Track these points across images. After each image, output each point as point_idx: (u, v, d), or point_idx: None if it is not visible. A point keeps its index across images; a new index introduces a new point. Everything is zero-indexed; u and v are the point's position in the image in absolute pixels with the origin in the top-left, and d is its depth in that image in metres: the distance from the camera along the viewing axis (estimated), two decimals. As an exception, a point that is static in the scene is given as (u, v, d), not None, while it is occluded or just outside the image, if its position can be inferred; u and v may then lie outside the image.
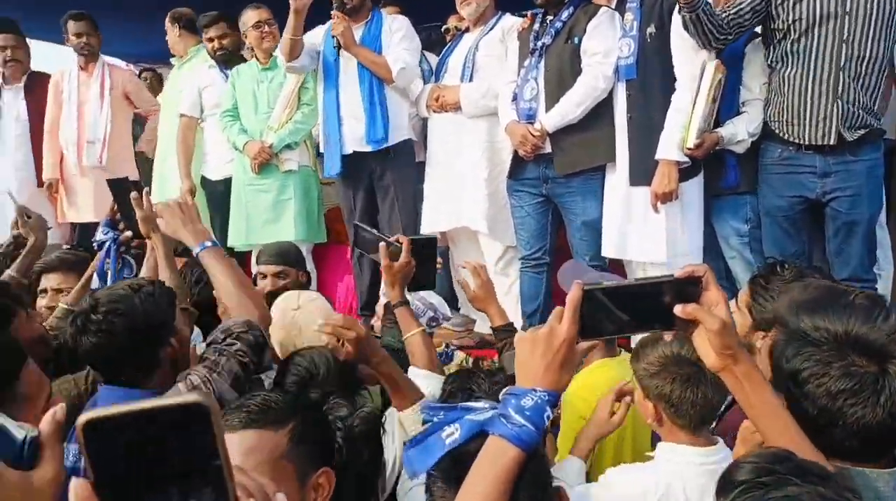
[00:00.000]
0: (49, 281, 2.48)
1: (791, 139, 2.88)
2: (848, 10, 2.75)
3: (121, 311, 1.57)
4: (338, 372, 1.78)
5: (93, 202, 4.43)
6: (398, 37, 3.60)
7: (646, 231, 3.06)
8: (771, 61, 2.96)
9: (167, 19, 4.49)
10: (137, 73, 5.01)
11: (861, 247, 2.85)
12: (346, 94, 3.64)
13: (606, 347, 2.35)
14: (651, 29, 3.03)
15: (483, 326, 3.69)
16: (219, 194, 4.15)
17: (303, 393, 1.70)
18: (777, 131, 2.92)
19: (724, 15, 2.87)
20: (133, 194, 2.05)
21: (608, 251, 3.21)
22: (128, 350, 1.56)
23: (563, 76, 3.18)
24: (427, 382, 1.82)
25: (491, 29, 3.55)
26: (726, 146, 3.01)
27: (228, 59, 4.15)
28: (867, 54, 2.75)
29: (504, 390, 1.07)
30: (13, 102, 4.66)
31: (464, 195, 3.57)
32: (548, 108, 3.19)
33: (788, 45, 2.87)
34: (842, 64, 2.76)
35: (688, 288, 1.01)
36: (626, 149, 3.11)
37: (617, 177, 3.16)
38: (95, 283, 2.22)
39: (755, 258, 3.08)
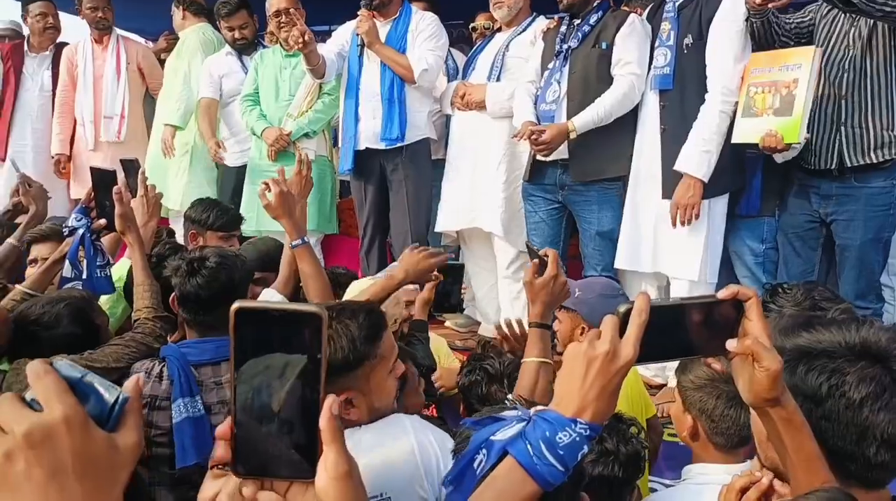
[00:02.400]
0: (39, 250, 2.50)
1: (802, 164, 2.93)
2: (850, 43, 2.79)
3: (225, 265, 1.95)
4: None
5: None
6: (424, 36, 3.60)
7: (681, 246, 3.02)
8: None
9: (173, 0, 4.47)
10: (164, 40, 4.93)
11: (852, 273, 2.86)
12: (365, 93, 3.65)
13: None
14: (688, 39, 3.01)
15: (487, 329, 3.72)
16: (234, 181, 4.17)
17: None
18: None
19: (790, 20, 2.89)
20: (115, 188, 2.07)
21: (624, 263, 3.20)
22: (219, 298, 1.88)
23: (587, 80, 3.18)
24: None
25: (523, 30, 3.55)
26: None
27: (247, 47, 4.17)
28: (869, 83, 2.77)
29: (538, 409, 0.96)
30: (38, 71, 4.66)
31: (481, 196, 3.57)
32: (569, 112, 3.18)
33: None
34: (843, 92, 2.79)
35: (728, 313, 0.95)
36: (658, 161, 3.09)
37: (646, 190, 3.14)
38: (67, 270, 2.20)
39: (767, 278, 3.11)
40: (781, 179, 3.06)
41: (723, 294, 0.95)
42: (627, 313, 0.90)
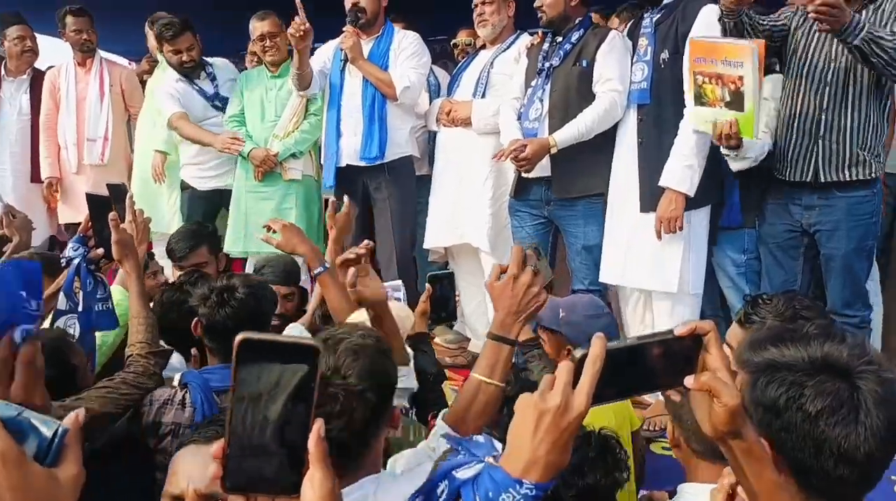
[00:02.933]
0: None
1: (779, 176, 2.96)
2: (833, 57, 2.80)
3: (254, 295, 2.00)
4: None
5: (89, 202, 4.39)
6: (406, 54, 3.64)
7: (657, 259, 3.07)
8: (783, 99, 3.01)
9: (146, 23, 4.45)
10: (147, 62, 4.90)
11: (838, 283, 2.89)
12: (347, 108, 3.69)
13: None
14: (665, 55, 3.06)
15: (477, 345, 3.74)
16: (203, 206, 4.16)
17: None
18: (774, 172, 2.99)
19: (764, 22, 2.90)
20: (111, 214, 2.00)
21: (607, 277, 3.24)
22: (247, 327, 1.75)
23: (569, 98, 3.22)
24: None
25: (507, 48, 3.60)
26: (736, 156, 2.95)
27: (195, 69, 4.08)
28: (850, 98, 2.79)
29: (489, 459, 0.98)
30: (15, 94, 4.62)
31: (468, 212, 3.61)
32: (550, 128, 3.22)
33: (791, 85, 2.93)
34: (823, 106, 2.82)
35: (687, 346, 0.94)
36: (635, 174, 3.13)
37: (623, 203, 3.18)
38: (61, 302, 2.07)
39: (750, 288, 3.14)
40: (759, 192, 3.10)
41: (680, 330, 0.94)
42: (583, 359, 0.88)
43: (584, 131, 3.16)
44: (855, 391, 1.00)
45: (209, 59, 4.19)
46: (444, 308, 2.43)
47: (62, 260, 2.14)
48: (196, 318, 2.05)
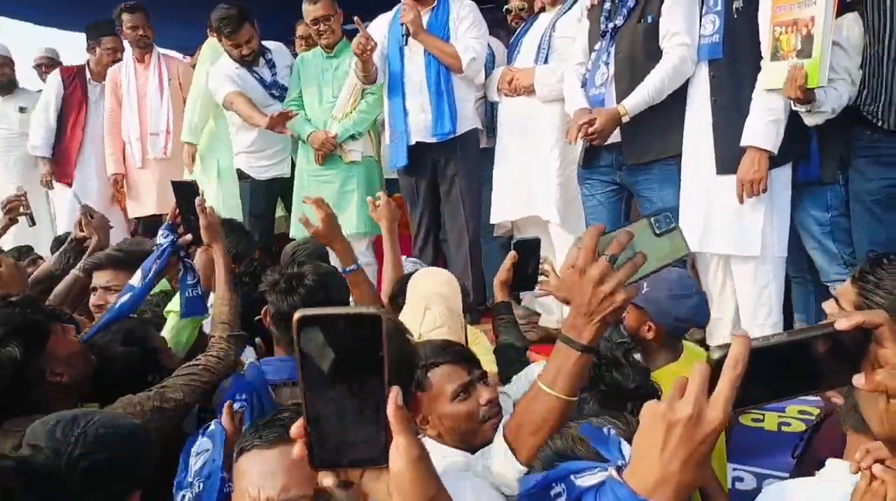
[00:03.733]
0: (98, 278, 2.51)
1: (879, 124, 2.76)
2: None
3: (323, 284, 1.96)
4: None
5: (156, 196, 4.50)
6: (467, 24, 3.56)
7: (737, 222, 2.93)
8: (866, 38, 2.80)
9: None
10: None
11: None
12: (411, 85, 3.64)
13: (669, 348, 2.25)
14: (738, 3, 2.88)
15: (548, 319, 3.66)
16: (265, 195, 4.20)
17: None
18: (867, 114, 2.79)
19: None
20: (198, 199, 2.07)
21: (689, 244, 3.10)
22: None
23: (634, 59, 3.07)
24: None
25: (569, 8, 3.46)
26: (810, 111, 2.77)
27: (255, 60, 4.06)
28: None
29: (613, 471, 0.88)
30: (99, 99, 4.80)
31: (535, 183, 3.52)
32: (618, 93, 3.08)
33: (879, 23, 2.73)
34: None
35: (852, 340, 0.82)
36: (709, 135, 2.97)
37: (698, 166, 3.03)
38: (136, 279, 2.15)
39: (838, 248, 2.98)
40: (842, 142, 2.90)
41: (843, 323, 0.80)
42: (721, 361, 0.76)
43: (655, 94, 3.02)
44: None
45: (266, 44, 4.17)
46: (526, 275, 2.35)
47: (155, 249, 2.17)
48: (265, 306, 2.05)
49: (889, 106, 2.73)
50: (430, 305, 1.94)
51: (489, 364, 2.24)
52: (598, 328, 1.12)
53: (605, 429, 1.09)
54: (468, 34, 3.55)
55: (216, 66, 4.15)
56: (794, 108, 2.76)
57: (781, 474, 2.05)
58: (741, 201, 2.88)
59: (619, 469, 0.90)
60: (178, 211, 2.18)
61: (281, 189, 4.24)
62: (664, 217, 1.10)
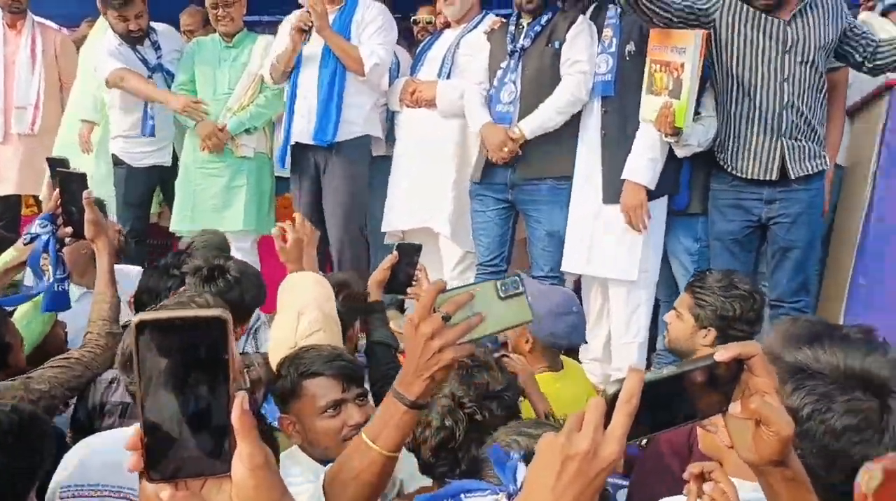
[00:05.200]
0: None
1: (737, 174, 3.03)
2: (788, 48, 2.89)
3: (240, 282, 2.06)
4: None
5: (17, 174, 4.15)
6: (373, 28, 3.54)
7: (619, 249, 3.15)
8: (717, 95, 3.09)
9: None
10: (87, 26, 4.59)
11: (791, 272, 3.03)
12: (302, 86, 3.58)
13: (550, 360, 2.39)
14: (630, 47, 3.13)
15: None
16: (144, 183, 3.98)
17: None
18: (723, 164, 3.07)
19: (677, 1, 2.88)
20: (86, 193, 1.99)
21: (570, 266, 3.30)
22: (231, 309, 1.84)
23: (541, 80, 3.25)
24: None
25: (474, 27, 3.57)
26: (678, 144, 3.04)
27: (141, 40, 3.86)
28: (808, 88, 2.91)
29: (503, 498, 0.91)
30: None
31: (429, 195, 3.57)
32: (523, 112, 3.25)
33: (731, 84, 3.00)
34: (784, 102, 2.92)
35: (728, 371, 0.86)
36: (598, 165, 3.19)
37: (586, 193, 3.24)
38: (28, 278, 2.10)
39: (704, 276, 3.24)
40: (706, 176, 3.18)
41: (722, 355, 0.85)
42: (615, 397, 0.77)
43: (551, 118, 3.21)
44: (885, 412, 0.98)
45: (154, 25, 3.97)
46: (400, 279, 2.39)
47: (25, 238, 2.07)
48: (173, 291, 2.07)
49: (738, 154, 3.01)
50: (304, 311, 1.93)
51: None
52: (426, 385, 1.08)
53: (512, 454, 1.06)
54: (374, 38, 3.53)
55: (97, 44, 3.92)
56: (664, 140, 3.01)
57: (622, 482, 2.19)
58: (634, 228, 3.10)
59: (510, 497, 0.93)
60: (60, 201, 2.08)
61: (160, 177, 4.04)
62: (512, 281, 1.10)
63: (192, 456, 0.69)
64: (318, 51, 3.56)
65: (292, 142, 3.60)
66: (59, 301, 2.07)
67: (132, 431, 0.69)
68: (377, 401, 1.87)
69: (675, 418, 0.85)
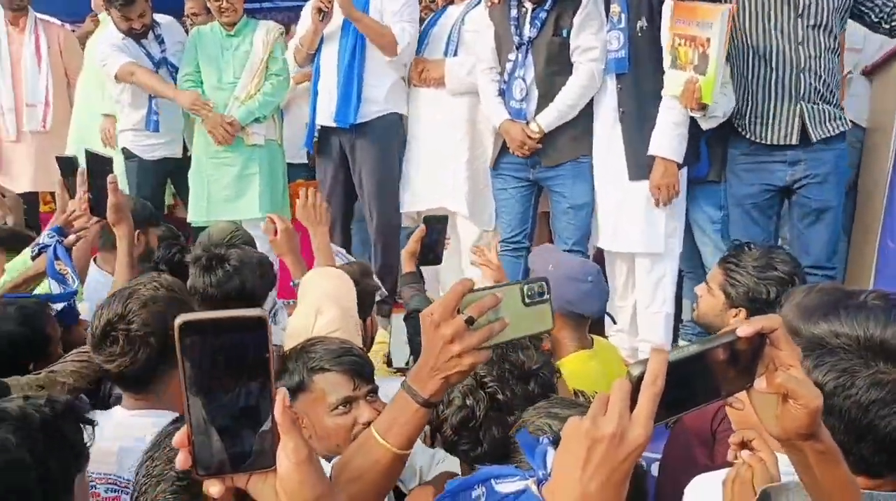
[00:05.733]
0: None
1: (755, 140, 3.00)
2: (800, 12, 2.85)
3: (241, 270, 2.05)
4: None
5: (32, 171, 4.17)
6: (399, 4, 3.46)
7: (645, 223, 3.14)
8: (733, 62, 3.03)
9: None
10: (91, 21, 4.61)
11: (826, 234, 3.00)
12: (324, 68, 3.56)
13: (579, 338, 2.31)
14: (642, 23, 3.07)
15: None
16: (153, 176, 3.98)
17: None
18: (742, 131, 3.03)
19: None
20: (110, 177, 2.04)
21: (604, 242, 3.29)
22: (230, 301, 1.95)
23: (552, 72, 3.20)
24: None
25: (477, 3, 3.50)
26: (704, 117, 3.01)
27: (143, 36, 3.84)
28: (823, 51, 2.87)
29: (532, 484, 0.89)
30: None
31: (444, 175, 3.55)
32: (539, 107, 3.22)
33: (747, 51, 2.96)
34: (801, 66, 2.88)
35: (751, 346, 0.85)
36: (619, 143, 3.16)
37: (608, 171, 3.21)
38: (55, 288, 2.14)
39: (727, 245, 3.20)
40: (724, 143, 3.15)
41: (744, 330, 0.83)
42: (641, 378, 0.75)
43: (568, 110, 3.19)
44: None
45: (157, 17, 3.93)
46: (433, 250, 2.47)
47: (34, 250, 2.14)
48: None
49: (757, 121, 2.98)
50: (322, 309, 1.90)
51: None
52: (441, 385, 1.03)
53: (542, 438, 1.03)
54: (402, 15, 3.45)
55: (101, 37, 3.89)
56: (691, 115, 2.97)
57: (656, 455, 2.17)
58: (656, 204, 3.08)
59: (540, 483, 0.92)
60: (87, 179, 2.15)
61: (171, 169, 4.04)
62: (538, 286, 1.06)
63: (237, 452, 0.71)
64: (338, 29, 3.52)
65: (318, 126, 3.59)
66: (68, 317, 2.08)
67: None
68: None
69: (699, 397, 0.83)
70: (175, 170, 4.01)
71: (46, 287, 2.14)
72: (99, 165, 2.15)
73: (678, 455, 1.87)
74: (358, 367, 1.63)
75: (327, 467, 1.45)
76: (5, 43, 4.21)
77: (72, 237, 2.14)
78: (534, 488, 0.88)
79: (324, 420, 1.58)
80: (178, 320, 0.68)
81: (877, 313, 1.03)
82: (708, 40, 2.80)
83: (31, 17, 4.27)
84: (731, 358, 0.83)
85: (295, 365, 1.62)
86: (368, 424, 1.52)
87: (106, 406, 1.89)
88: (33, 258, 2.19)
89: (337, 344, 1.67)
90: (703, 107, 2.89)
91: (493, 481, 0.96)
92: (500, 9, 3.31)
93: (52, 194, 4.13)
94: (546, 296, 1.06)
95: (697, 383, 0.82)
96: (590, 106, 3.23)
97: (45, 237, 2.14)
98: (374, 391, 1.65)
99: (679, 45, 2.93)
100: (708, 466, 1.18)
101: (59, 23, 4.59)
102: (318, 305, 1.90)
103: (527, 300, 1.04)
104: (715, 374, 0.83)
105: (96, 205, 2.12)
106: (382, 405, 1.61)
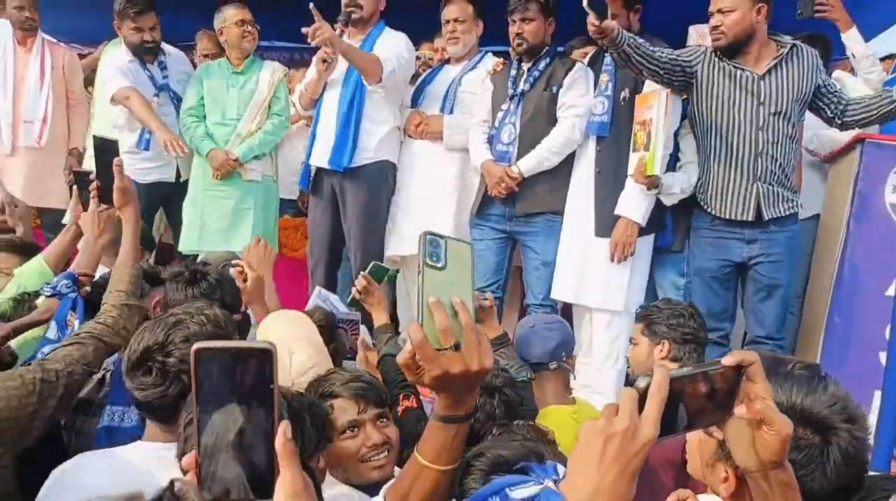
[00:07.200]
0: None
1: (716, 214, 3.22)
2: (762, 100, 3.09)
3: (222, 285, 2.10)
4: None
5: (22, 185, 4.21)
6: (394, 43, 3.63)
7: (606, 280, 3.36)
8: (697, 142, 3.30)
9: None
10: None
11: (776, 309, 3.22)
12: (325, 112, 3.74)
13: (555, 392, 2.49)
14: (625, 93, 3.36)
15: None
16: (145, 199, 3.90)
17: None
18: (704, 205, 3.27)
19: (662, 54, 3.10)
20: (116, 160, 2.04)
21: (560, 294, 3.49)
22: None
23: (538, 122, 3.46)
24: None
25: (474, 67, 3.76)
26: (660, 193, 3.26)
27: (152, 53, 3.98)
28: (781, 137, 3.10)
29: (549, 483, 0.96)
30: None
31: (429, 224, 3.66)
32: (521, 152, 3.46)
33: (710, 132, 3.20)
34: (759, 149, 3.11)
35: (731, 378, 0.93)
36: (590, 200, 3.41)
37: (578, 227, 3.44)
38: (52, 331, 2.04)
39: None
40: (689, 216, 3.39)
41: (727, 361, 0.93)
42: (647, 389, 0.84)
43: (547, 158, 3.42)
44: (827, 447, 1.07)
45: (165, 47, 4.11)
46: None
47: (46, 291, 2.07)
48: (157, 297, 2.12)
49: (717, 196, 3.20)
50: (294, 349, 1.89)
51: None
52: (473, 396, 1.04)
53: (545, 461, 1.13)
54: (391, 51, 3.56)
55: (109, 57, 4.02)
56: (647, 192, 3.22)
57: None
58: (612, 260, 3.31)
59: (555, 483, 0.99)
60: (95, 163, 2.17)
61: (164, 194, 4.12)
62: (430, 244, 0.96)
63: (239, 479, 0.75)
64: (341, 77, 3.70)
65: (313, 167, 3.75)
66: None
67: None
68: (393, 404, 2.02)
69: (686, 420, 0.90)
70: (167, 195, 4.09)
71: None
72: (107, 152, 2.12)
73: (646, 478, 2.00)
74: (365, 392, 1.70)
75: (354, 493, 1.55)
76: (11, 61, 4.32)
77: (87, 288, 2.09)
78: (552, 485, 0.95)
79: (335, 444, 1.62)
80: (195, 346, 0.74)
81: (801, 382, 1.11)
82: (651, 120, 3.10)
83: (39, 38, 4.40)
84: (715, 388, 0.92)
85: (308, 393, 1.67)
86: (376, 447, 1.67)
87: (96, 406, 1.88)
88: (47, 297, 2.09)
89: (349, 372, 1.78)
90: (652, 181, 3.12)
91: (507, 490, 1.00)
92: (501, 73, 3.61)
93: (39, 209, 4.21)
94: (443, 238, 0.98)
95: (683, 406, 0.89)
96: (570, 163, 3.47)
97: (61, 285, 2.06)
98: (384, 416, 1.72)
99: (637, 131, 3.24)
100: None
101: (64, 45, 4.73)
102: (289, 345, 1.89)
103: (430, 261, 0.95)
104: (698, 401, 0.90)
105: (104, 193, 2.10)
106: (393, 429, 1.73)
